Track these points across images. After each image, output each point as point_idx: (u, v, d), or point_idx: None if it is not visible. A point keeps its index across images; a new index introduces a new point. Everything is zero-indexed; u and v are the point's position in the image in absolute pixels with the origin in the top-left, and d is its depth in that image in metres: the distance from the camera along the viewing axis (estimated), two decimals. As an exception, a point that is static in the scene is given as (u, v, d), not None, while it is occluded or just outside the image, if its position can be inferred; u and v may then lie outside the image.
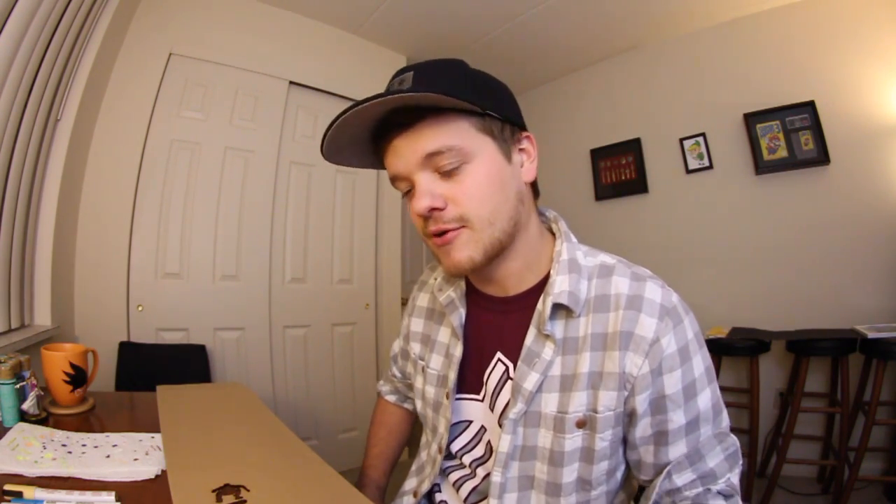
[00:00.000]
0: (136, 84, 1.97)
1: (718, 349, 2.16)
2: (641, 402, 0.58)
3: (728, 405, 0.64)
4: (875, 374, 1.83)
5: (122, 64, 1.91)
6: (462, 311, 0.69)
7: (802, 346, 2.00)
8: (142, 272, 1.99)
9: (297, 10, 2.41)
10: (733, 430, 0.62)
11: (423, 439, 0.80)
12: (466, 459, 0.71)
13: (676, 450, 0.59)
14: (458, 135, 0.56)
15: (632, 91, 2.90)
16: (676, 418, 0.58)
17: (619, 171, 2.93)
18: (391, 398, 0.95)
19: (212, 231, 2.17)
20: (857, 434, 1.92)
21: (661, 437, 0.59)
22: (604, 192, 3.00)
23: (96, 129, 1.85)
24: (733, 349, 2.12)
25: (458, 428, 0.71)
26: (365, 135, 0.60)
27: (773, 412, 2.29)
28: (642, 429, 0.59)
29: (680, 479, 0.59)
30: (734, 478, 0.60)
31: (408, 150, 0.57)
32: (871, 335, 1.84)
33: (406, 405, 0.95)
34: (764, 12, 2.40)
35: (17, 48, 1.23)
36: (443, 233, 0.58)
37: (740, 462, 0.62)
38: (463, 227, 0.58)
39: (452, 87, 0.53)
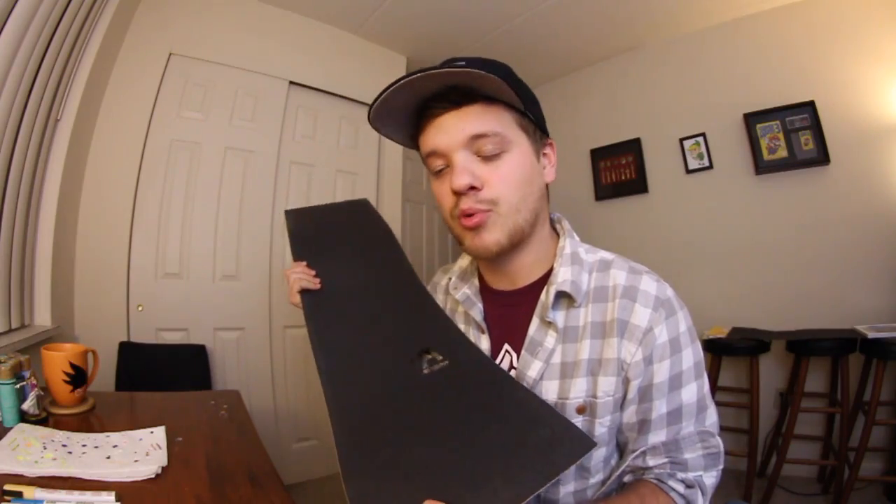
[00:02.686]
0: (136, 84, 1.96)
1: (718, 349, 2.16)
2: (632, 389, 0.60)
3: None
4: (875, 374, 1.83)
5: (122, 64, 1.91)
6: (480, 306, 0.71)
7: (802, 345, 2.00)
8: (142, 272, 1.99)
9: (297, 10, 2.41)
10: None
11: None
12: None
13: (656, 437, 0.60)
14: (502, 124, 0.59)
15: (632, 91, 2.90)
16: (658, 407, 0.59)
17: (619, 171, 2.93)
18: None
19: (212, 231, 2.16)
20: (857, 434, 1.91)
21: (643, 426, 0.61)
22: (604, 192, 3.00)
23: (96, 129, 1.85)
24: (733, 349, 2.12)
25: None
26: (411, 107, 0.62)
27: (773, 412, 2.28)
28: (628, 415, 0.61)
29: (653, 461, 0.61)
30: (707, 479, 0.61)
31: (455, 127, 0.59)
32: (871, 335, 1.84)
33: None
34: (764, 12, 2.40)
35: (17, 48, 1.23)
36: (471, 214, 0.60)
37: (719, 467, 0.63)
38: (491, 210, 0.60)
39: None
